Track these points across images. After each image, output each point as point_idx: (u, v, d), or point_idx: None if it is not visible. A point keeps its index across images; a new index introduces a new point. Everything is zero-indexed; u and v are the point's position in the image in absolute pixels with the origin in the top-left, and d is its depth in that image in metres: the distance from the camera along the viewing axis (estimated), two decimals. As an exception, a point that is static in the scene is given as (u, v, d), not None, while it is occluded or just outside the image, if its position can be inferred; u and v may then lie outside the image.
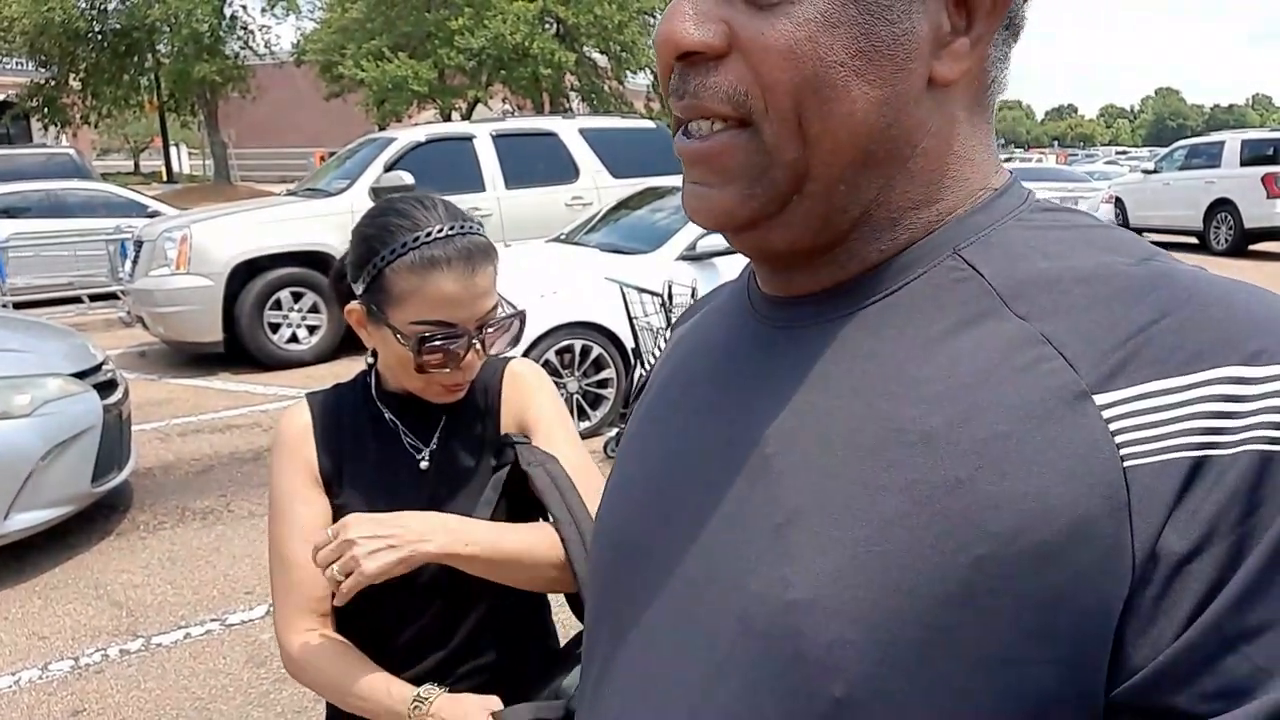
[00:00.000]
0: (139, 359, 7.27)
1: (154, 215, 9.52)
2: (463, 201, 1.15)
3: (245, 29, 23.31)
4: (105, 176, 20.30)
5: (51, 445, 3.46)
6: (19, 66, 22.41)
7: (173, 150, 30.47)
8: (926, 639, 0.41)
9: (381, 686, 1.03)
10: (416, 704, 1.00)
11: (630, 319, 4.66)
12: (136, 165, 35.26)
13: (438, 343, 1.05)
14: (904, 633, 0.41)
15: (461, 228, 1.07)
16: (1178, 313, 0.42)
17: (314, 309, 6.84)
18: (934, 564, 0.41)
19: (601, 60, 21.74)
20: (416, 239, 1.04)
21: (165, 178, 27.40)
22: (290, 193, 8.22)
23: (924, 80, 0.47)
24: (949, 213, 0.50)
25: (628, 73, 21.75)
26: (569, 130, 7.94)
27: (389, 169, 6.93)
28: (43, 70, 21.70)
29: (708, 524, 0.51)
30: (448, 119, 18.82)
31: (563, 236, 6.31)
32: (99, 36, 21.26)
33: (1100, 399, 0.41)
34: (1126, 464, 0.39)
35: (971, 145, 0.51)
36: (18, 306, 8.30)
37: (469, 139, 7.57)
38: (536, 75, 19.87)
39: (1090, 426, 0.40)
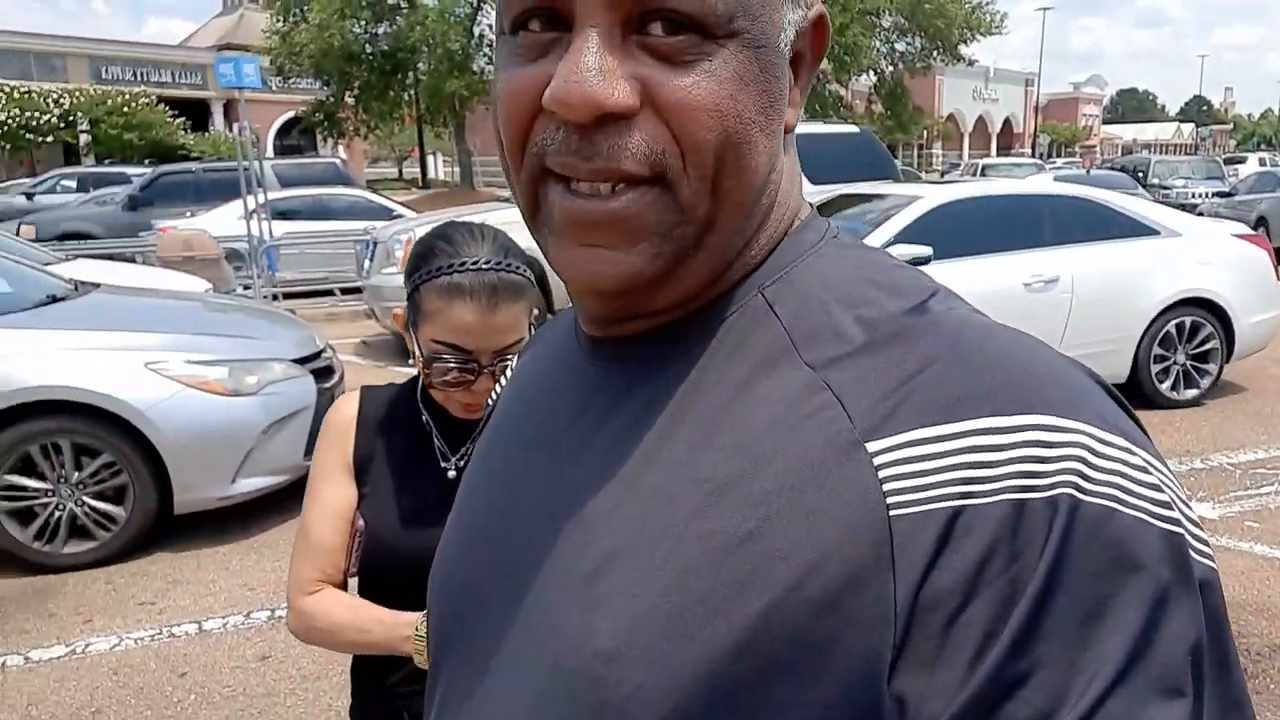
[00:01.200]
0: (369, 348, 8.11)
1: (397, 218, 10.57)
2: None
3: (491, 46, 25.17)
4: (373, 183, 22.69)
5: (272, 421, 3.96)
6: (308, 85, 25.64)
7: (430, 158, 33.61)
8: (718, 686, 0.41)
9: (389, 617, 1.13)
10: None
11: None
12: (400, 172, 39.22)
13: (446, 363, 1.13)
14: (698, 681, 0.42)
15: (499, 264, 1.13)
16: (939, 361, 0.43)
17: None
18: (724, 613, 0.42)
19: (822, 63, 21.39)
20: (451, 265, 1.12)
21: (421, 183, 30.28)
22: (502, 199, 8.80)
23: (783, 129, 0.50)
24: (769, 250, 0.51)
25: (849, 75, 21.16)
26: None
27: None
28: (324, 88, 24.69)
29: (529, 568, 0.51)
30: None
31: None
32: (370, 58, 23.86)
33: (871, 446, 0.41)
34: (892, 513, 0.40)
35: (793, 182, 0.53)
36: (287, 296, 9.55)
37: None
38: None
39: (863, 475, 0.41)
